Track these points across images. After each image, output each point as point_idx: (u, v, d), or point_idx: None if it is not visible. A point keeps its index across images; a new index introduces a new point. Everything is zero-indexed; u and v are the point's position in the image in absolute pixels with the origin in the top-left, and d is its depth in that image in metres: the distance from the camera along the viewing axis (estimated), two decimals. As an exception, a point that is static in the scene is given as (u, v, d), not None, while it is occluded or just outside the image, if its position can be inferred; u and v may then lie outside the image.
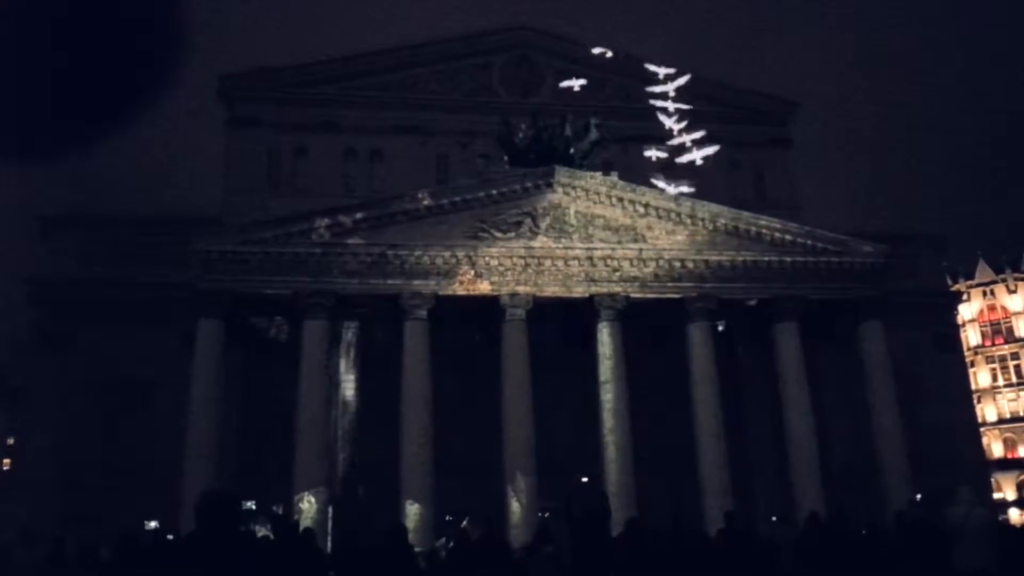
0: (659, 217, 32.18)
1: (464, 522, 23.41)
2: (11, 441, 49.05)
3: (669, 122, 33.68)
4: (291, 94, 38.23)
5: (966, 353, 54.46)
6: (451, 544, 19.06)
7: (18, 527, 23.90)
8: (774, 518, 24.10)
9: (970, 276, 68.52)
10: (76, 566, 14.80)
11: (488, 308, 30.60)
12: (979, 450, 43.09)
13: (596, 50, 39.80)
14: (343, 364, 33.05)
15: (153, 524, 26.53)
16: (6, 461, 49.88)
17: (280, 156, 37.95)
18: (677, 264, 31.69)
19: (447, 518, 28.59)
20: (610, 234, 31.72)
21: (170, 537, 23.15)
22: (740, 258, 32.08)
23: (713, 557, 15.09)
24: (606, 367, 30.61)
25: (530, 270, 30.91)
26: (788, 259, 32.41)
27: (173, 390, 29.24)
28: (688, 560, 14.09)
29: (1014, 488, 61.76)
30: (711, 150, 34.12)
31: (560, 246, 31.29)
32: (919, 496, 29.14)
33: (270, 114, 37.71)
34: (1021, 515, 54.50)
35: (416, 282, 30.21)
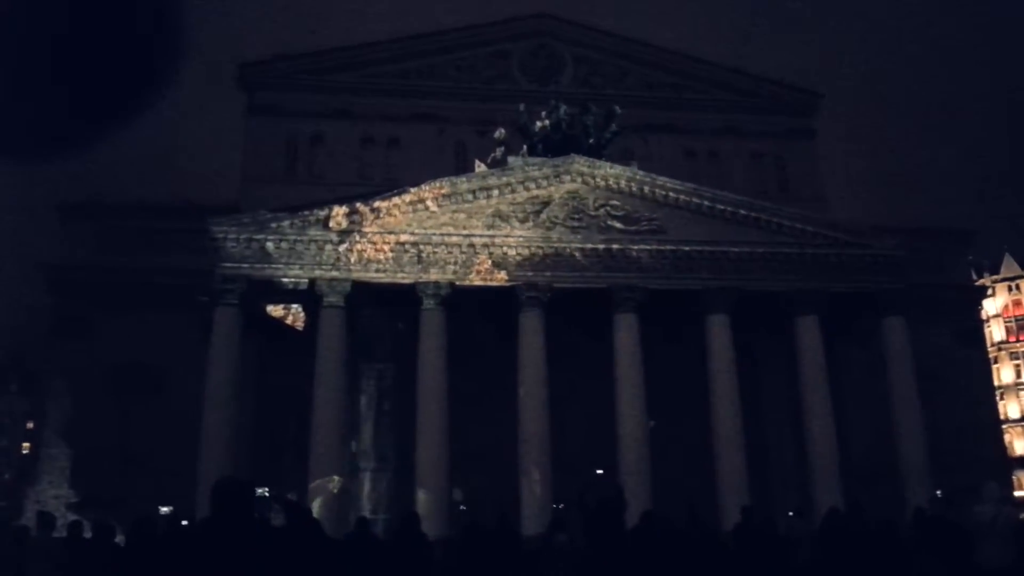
0: (679, 207, 31.85)
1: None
2: (31, 425, 49.54)
3: None
4: (309, 82, 38.16)
5: (989, 348, 53.82)
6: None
7: (35, 510, 24.06)
8: (791, 513, 23.85)
9: (996, 270, 67.68)
10: (92, 549, 14.80)
11: (505, 298, 30.44)
12: (1001, 448, 42.66)
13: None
14: (360, 353, 33.01)
15: (166, 509, 26.60)
16: (26, 445, 50.40)
17: (297, 143, 37.92)
18: (697, 255, 31.35)
19: (461, 507, 28.56)
20: (629, 224, 31.45)
21: (185, 523, 23.27)
22: (761, 250, 31.71)
23: (730, 551, 14.90)
24: (623, 359, 30.38)
25: (548, 260, 30.70)
26: (809, 251, 32.01)
27: (189, 377, 29.30)
28: (704, 554, 13.91)
29: (1035, 487, 61.04)
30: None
31: (578, 236, 31.05)
32: (939, 493, 28.82)
33: (288, 102, 37.65)
34: (1042, 513, 53.83)
35: (433, 271, 30.10)
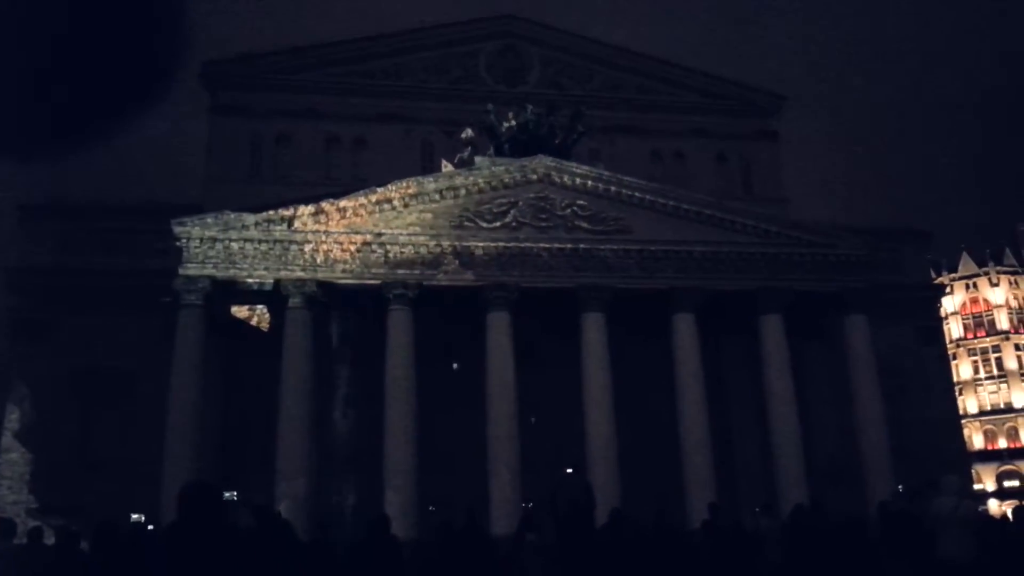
0: (645, 208, 32.08)
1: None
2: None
3: None
4: (274, 81, 37.80)
5: (948, 345, 54.91)
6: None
7: (-5, 517, 23.59)
8: (757, 509, 24.11)
9: (954, 269, 69.16)
10: (55, 556, 14.56)
11: (473, 298, 30.44)
12: (961, 442, 43.45)
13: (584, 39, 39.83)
14: (326, 354, 32.79)
15: (137, 517, 26.21)
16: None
17: (262, 143, 37.54)
18: (662, 255, 31.61)
19: (430, 508, 28.49)
20: (595, 224, 31.59)
21: (151, 528, 22.94)
22: (725, 249, 32.05)
23: (697, 548, 15.05)
24: (590, 358, 30.53)
25: (515, 260, 30.75)
26: (773, 251, 32.43)
27: (154, 380, 28.89)
28: (672, 551, 14.03)
29: (994, 479, 62.46)
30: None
31: (545, 236, 31.13)
32: (901, 488, 29.32)
33: (252, 101, 37.24)
34: (1000, 506, 55.09)
35: (400, 271, 29.99)
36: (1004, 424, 65.30)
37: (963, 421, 52.92)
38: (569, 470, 29.66)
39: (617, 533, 13.21)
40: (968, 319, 68.73)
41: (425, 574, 14.61)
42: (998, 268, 68.96)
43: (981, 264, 69.36)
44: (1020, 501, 51.62)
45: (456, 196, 30.98)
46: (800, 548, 14.28)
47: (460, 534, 14.82)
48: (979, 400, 66.40)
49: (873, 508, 19.18)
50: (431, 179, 31.46)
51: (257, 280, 29.72)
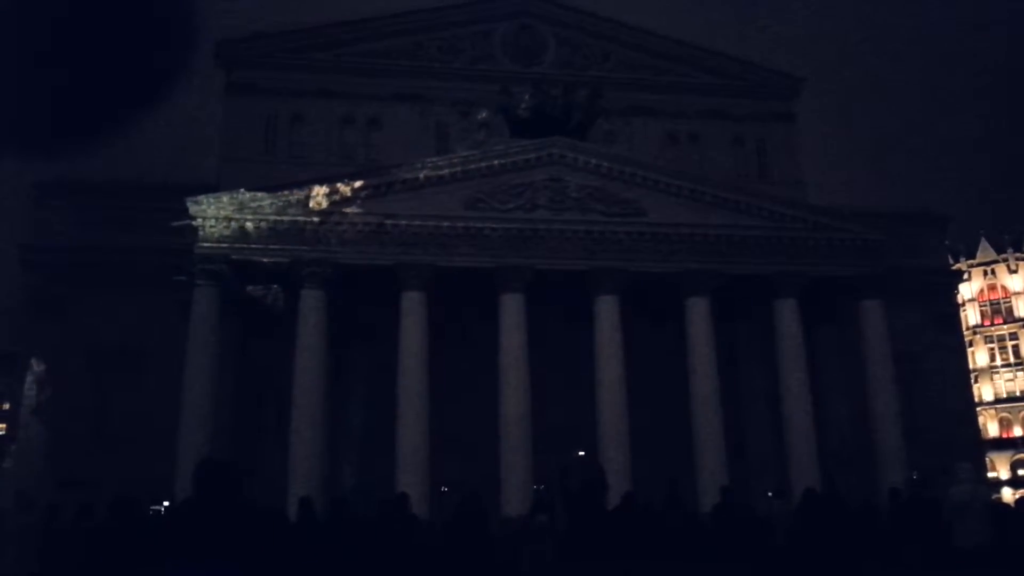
0: (660, 191, 31.89)
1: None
2: (7, 406, 48.96)
3: None
4: (289, 60, 37.64)
5: (965, 332, 54.53)
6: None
7: (13, 491, 23.83)
8: (769, 494, 24.09)
9: (972, 255, 68.54)
10: (73, 530, 14.79)
11: (486, 280, 30.41)
12: (975, 430, 43.24)
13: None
14: (340, 334, 32.87)
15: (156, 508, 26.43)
16: (1, 426, 49.84)
17: (277, 123, 37.41)
18: (677, 238, 31.45)
19: (443, 489, 28.60)
20: (610, 207, 31.43)
21: (166, 504, 23.17)
22: (740, 233, 31.85)
23: (709, 532, 15.06)
24: (604, 341, 30.49)
25: (529, 242, 30.67)
26: (788, 235, 32.20)
27: (168, 358, 29.06)
28: (684, 535, 14.04)
29: (1008, 468, 62.15)
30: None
31: (559, 219, 31.02)
32: (915, 475, 29.23)
33: (267, 80, 37.11)
34: (1014, 494, 54.87)
35: (414, 253, 29.98)
36: (1020, 412, 64.89)
37: (978, 409, 52.67)
38: (581, 452, 29.69)
39: (629, 515, 13.24)
40: (985, 306, 68.19)
41: (430, 553, 14.69)
42: (1017, 255, 68.31)
43: (1000, 250, 68.72)
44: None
45: (470, 178, 30.87)
46: (810, 532, 14.27)
47: (461, 514, 14.90)
48: (995, 388, 65.98)
49: (885, 494, 19.13)
50: (445, 160, 31.37)
51: (271, 259, 29.77)
